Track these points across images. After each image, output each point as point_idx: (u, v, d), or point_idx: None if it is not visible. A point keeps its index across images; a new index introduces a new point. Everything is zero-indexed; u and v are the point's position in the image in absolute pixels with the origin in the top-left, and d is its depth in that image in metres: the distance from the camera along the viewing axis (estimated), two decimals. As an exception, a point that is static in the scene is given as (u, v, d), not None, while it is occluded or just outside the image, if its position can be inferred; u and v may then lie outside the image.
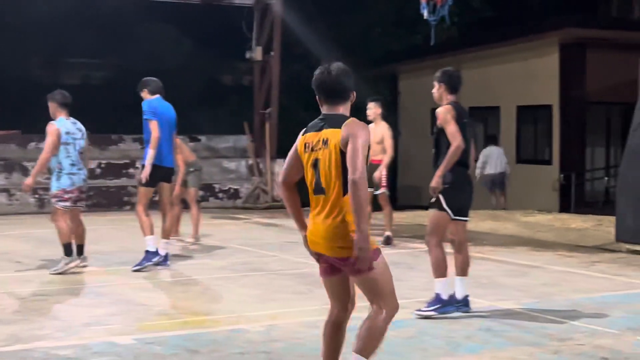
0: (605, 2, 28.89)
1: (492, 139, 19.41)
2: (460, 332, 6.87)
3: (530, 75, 20.65)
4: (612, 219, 14.49)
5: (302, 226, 4.82)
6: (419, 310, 7.33)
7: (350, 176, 4.48)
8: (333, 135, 4.60)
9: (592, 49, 19.72)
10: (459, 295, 7.47)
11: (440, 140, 7.37)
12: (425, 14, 9.83)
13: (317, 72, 4.71)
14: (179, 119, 10.13)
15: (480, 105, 21.18)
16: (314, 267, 5.00)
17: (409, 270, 9.76)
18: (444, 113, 7.29)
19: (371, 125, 11.80)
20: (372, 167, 11.77)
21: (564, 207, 18.89)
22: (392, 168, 26.07)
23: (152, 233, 9.65)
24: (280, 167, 18.58)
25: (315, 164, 4.67)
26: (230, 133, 19.91)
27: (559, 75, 19.97)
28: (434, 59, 23.89)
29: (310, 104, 31.60)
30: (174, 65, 23.63)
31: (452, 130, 7.23)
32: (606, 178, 20.85)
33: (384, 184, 11.62)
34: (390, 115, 27.27)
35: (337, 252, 4.64)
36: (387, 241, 11.67)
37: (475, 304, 7.74)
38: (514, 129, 21.31)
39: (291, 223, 5.37)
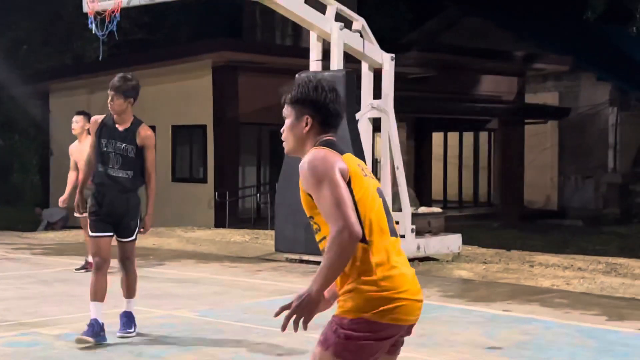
0: (249, 29, 30.31)
1: None
2: (142, 339, 6.99)
3: (185, 96, 21.16)
4: (267, 232, 15.36)
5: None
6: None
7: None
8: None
9: (244, 72, 20.63)
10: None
11: (137, 158, 7.03)
12: (94, 28, 9.79)
13: (322, 92, 3.53)
14: None
15: (136, 125, 21.27)
16: None
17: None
18: (154, 137, 7.12)
19: (75, 144, 10.79)
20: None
21: (220, 223, 19.54)
22: (45, 189, 25.46)
23: None
24: None
25: (381, 194, 3.53)
26: None
27: (213, 97, 20.67)
28: (86, 77, 23.66)
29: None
30: None
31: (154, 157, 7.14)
32: (258, 195, 21.87)
33: None
34: (41, 135, 26.62)
35: None
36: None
37: (152, 313, 7.90)
38: (170, 148, 21.68)
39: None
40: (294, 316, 3.30)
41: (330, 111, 3.53)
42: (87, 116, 10.60)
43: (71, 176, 10.65)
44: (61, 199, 10.53)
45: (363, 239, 3.34)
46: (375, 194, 3.46)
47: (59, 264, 11.51)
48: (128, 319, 7.11)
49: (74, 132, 10.74)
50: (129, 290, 7.18)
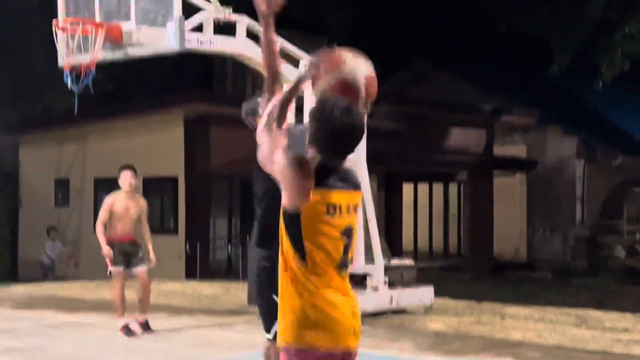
0: (220, 81, 30.47)
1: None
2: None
3: (156, 148, 21.19)
4: (238, 285, 15.34)
5: None
6: None
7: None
8: (359, 199, 3.59)
9: (215, 124, 20.69)
10: None
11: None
12: (69, 82, 9.83)
13: (336, 111, 3.58)
14: None
15: (107, 177, 21.26)
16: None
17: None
18: None
19: (120, 197, 10.06)
20: (124, 246, 10.28)
21: (191, 275, 19.46)
22: (14, 241, 25.20)
23: None
24: None
25: (349, 234, 3.47)
26: None
27: (184, 149, 20.71)
28: (57, 129, 23.65)
29: None
30: None
31: None
32: (229, 247, 21.85)
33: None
34: (10, 186, 26.44)
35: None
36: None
37: (126, 368, 7.84)
38: (140, 200, 21.64)
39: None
40: None
41: (347, 137, 3.56)
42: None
43: (102, 229, 9.93)
44: (107, 254, 10.00)
45: (303, 257, 3.33)
46: (337, 232, 3.41)
47: (28, 318, 11.39)
48: None
49: (129, 187, 10.07)
50: None
